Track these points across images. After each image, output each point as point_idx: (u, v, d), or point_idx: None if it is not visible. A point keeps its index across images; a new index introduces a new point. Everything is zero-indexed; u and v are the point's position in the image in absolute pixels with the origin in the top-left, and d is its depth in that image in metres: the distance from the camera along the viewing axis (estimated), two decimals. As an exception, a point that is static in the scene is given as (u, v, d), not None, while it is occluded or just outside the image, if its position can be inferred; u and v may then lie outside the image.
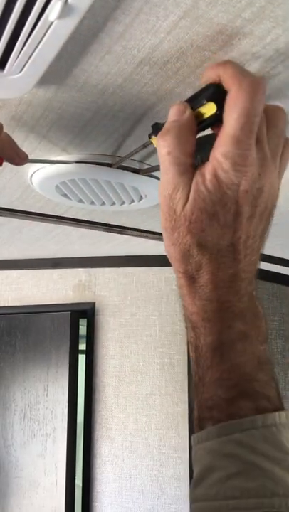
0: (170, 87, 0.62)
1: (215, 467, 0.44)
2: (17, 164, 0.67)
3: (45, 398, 1.62)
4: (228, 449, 0.45)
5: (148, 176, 0.90)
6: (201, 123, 0.51)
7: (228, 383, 0.47)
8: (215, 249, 0.48)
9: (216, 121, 0.49)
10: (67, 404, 1.58)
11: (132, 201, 1.01)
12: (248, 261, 0.49)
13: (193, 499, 0.46)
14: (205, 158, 0.49)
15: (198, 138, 0.51)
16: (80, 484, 1.60)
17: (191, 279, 0.49)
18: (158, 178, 0.90)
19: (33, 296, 1.79)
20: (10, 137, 0.65)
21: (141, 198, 0.99)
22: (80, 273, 1.77)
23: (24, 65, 0.54)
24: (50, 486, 1.56)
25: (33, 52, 0.52)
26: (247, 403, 0.47)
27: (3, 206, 1.15)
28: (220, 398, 0.47)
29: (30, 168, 0.90)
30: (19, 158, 0.66)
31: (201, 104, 0.50)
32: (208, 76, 0.49)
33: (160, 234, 1.43)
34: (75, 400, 1.62)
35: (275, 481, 0.42)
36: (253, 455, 0.44)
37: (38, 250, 1.68)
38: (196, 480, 0.46)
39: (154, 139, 0.58)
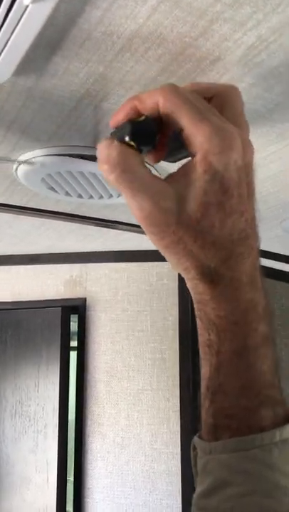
0: (153, 75, 0.61)
1: (230, 482, 0.43)
2: None
3: (36, 394, 1.61)
4: (246, 465, 0.43)
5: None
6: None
7: (251, 392, 0.45)
8: (229, 241, 0.44)
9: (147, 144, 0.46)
10: (58, 400, 1.57)
11: (120, 194, 1.00)
12: (258, 246, 0.46)
13: (202, 508, 0.45)
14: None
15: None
16: (72, 480, 1.60)
17: (211, 282, 0.45)
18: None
19: (24, 292, 1.77)
20: None
21: (128, 190, 0.98)
22: (72, 268, 1.76)
23: (1, 52, 0.52)
24: (41, 482, 1.56)
25: (9, 38, 0.51)
26: (267, 412, 0.45)
27: (-11, 200, 1.14)
28: (241, 407, 0.45)
29: (16, 160, 0.89)
30: None
31: (123, 138, 0.45)
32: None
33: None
34: (67, 396, 1.61)
35: None
36: (270, 472, 0.43)
37: (29, 246, 1.67)
38: (207, 491, 0.45)
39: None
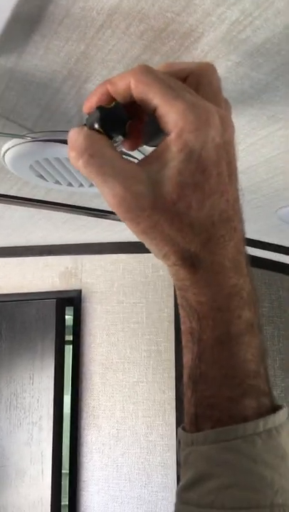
0: (136, 54, 0.59)
1: (211, 474, 0.41)
2: None
3: (31, 387, 1.60)
4: (227, 456, 0.41)
5: (123, 154, 0.87)
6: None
7: (234, 381, 0.43)
8: (209, 223, 0.43)
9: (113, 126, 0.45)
10: (53, 392, 1.56)
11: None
12: (241, 229, 0.44)
13: (184, 502, 0.43)
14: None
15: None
16: (67, 472, 1.59)
17: (191, 267, 0.43)
18: (133, 157, 0.87)
19: (19, 284, 1.76)
20: None
21: (118, 178, 0.96)
22: (67, 260, 1.75)
23: (-24, 28, 0.51)
24: (36, 475, 1.55)
25: (-17, 13, 0.49)
26: (251, 402, 0.43)
27: (-21, 189, 1.13)
28: (223, 397, 0.43)
29: (2, 146, 0.87)
30: None
31: (93, 124, 0.46)
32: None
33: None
34: (62, 388, 1.60)
35: (274, 490, 0.40)
36: (252, 463, 0.41)
37: (23, 237, 1.65)
38: (188, 483, 0.43)
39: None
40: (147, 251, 1.51)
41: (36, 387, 1.59)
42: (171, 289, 1.63)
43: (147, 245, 0.46)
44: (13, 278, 1.77)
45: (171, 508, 1.41)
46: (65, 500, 1.58)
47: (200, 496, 0.41)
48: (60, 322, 1.63)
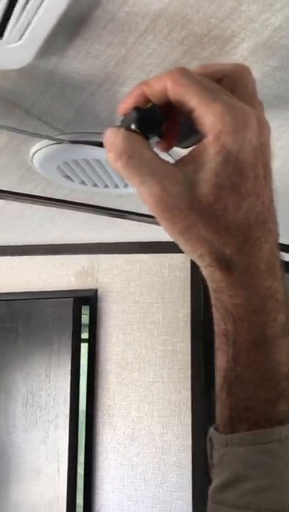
0: (175, 58, 0.60)
1: (247, 476, 0.42)
2: None
3: (47, 385, 1.61)
4: (263, 459, 0.42)
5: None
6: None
7: (270, 384, 0.43)
8: (245, 225, 0.43)
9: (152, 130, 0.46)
10: (69, 390, 1.57)
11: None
12: (275, 231, 0.44)
13: (218, 502, 0.44)
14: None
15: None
16: (82, 471, 1.60)
17: (227, 269, 0.44)
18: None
19: (35, 282, 1.77)
20: None
21: (144, 179, 0.97)
22: (83, 259, 1.76)
23: (24, 32, 0.52)
24: (52, 473, 1.56)
25: (33, 17, 0.50)
26: (285, 405, 0.44)
27: (3, 189, 1.14)
28: (259, 399, 0.43)
29: (31, 148, 0.88)
30: None
31: (129, 125, 0.46)
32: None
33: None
34: (78, 387, 1.61)
35: None
36: (287, 467, 0.42)
37: (41, 236, 1.66)
38: (223, 485, 0.43)
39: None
40: (164, 251, 1.53)
41: (52, 386, 1.60)
42: (187, 290, 1.63)
43: (182, 246, 0.46)
44: (29, 277, 1.78)
45: (186, 507, 1.41)
46: (80, 499, 1.58)
47: (236, 497, 0.42)
48: (76, 321, 1.64)
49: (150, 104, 0.44)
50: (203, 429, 1.52)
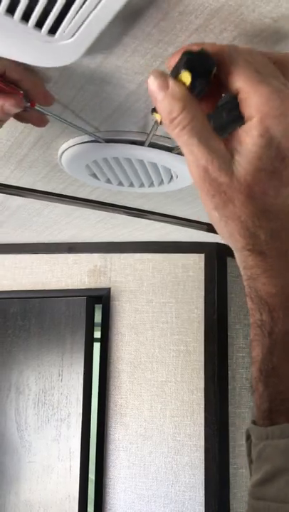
0: (222, 58, 0.59)
1: None
2: (46, 104, 0.64)
3: (59, 383, 1.61)
4: None
5: (181, 154, 0.87)
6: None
7: None
8: (284, 212, 0.43)
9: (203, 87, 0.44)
10: (82, 389, 1.57)
11: (161, 183, 0.99)
12: None
13: (259, 497, 0.43)
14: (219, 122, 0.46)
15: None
16: (94, 470, 1.60)
17: (261, 254, 0.43)
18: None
19: (48, 280, 1.77)
20: (41, 79, 0.62)
21: (171, 179, 0.97)
22: (96, 258, 1.75)
23: (77, 30, 0.51)
24: (64, 472, 1.56)
25: (88, 15, 0.49)
26: None
27: (26, 186, 1.13)
28: None
29: (61, 146, 0.88)
30: (46, 101, 0.63)
31: (178, 73, 0.44)
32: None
33: (181, 219, 1.40)
34: (90, 386, 1.61)
35: None
36: None
37: (54, 235, 1.66)
38: (264, 479, 0.43)
39: (157, 115, 0.56)
40: (177, 251, 1.53)
41: (65, 384, 1.60)
42: (201, 290, 1.63)
43: (216, 224, 0.46)
44: (42, 275, 1.78)
45: (198, 507, 1.41)
46: (91, 498, 1.58)
47: (278, 491, 0.41)
48: (90, 320, 1.63)
49: (201, 48, 0.43)
50: (216, 430, 1.52)
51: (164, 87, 0.44)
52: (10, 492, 1.60)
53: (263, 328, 0.44)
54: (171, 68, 0.46)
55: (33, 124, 0.68)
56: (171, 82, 0.44)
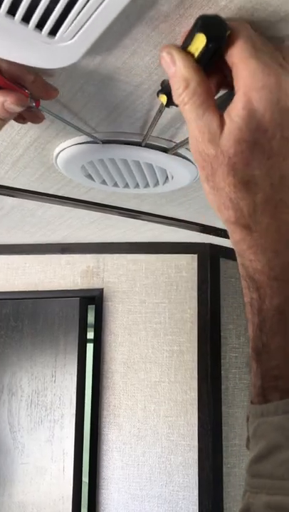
0: (221, 61, 0.60)
1: (284, 445, 0.42)
2: (50, 98, 0.63)
3: (52, 384, 1.60)
4: None
5: (177, 155, 0.88)
6: (199, 61, 0.47)
7: None
8: (267, 184, 0.42)
9: (212, 54, 0.45)
10: (75, 390, 1.57)
11: (157, 184, 0.99)
12: None
13: (254, 474, 0.43)
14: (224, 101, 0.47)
15: None
16: (88, 471, 1.59)
17: (247, 228, 0.43)
18: (186, 158, 0.88)
19: (40, 281, 1.76)
20: (41, 77, 0.62)
21: (166, 179, 0.97)
22: (89, 259, 1.75)
23: (78, 31, 0.51)
24: (57, 473, 1.55)
25: (89, 17, 0.49)
26: None
27: (20, 187, 1.13)
28: (287, 367, 0.44)
29: (57, 146, 0.88)
30: (49, 95, 0.63)
31: (192, 40, 0.46)
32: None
33: (174, 220, 1.40)
34: (83, 386, 1.60)
35: None
36: None
37: (47, 235, 1.65)
38: (259, 456, 0.43)
39: (162, 97, 0.57)
40: (170, 252, 1.54)
41: (58, 385, 1.60)
42: (194, 291, 1.64)
43: (207, 196, 0.47)
44: (35, 275, 1.77)
45: (192, 507, 1.41)
46: (85, 499, 1.58)
47: (272, 468, 0.41)
48: (83, 321, 1.63)
49: (215, 14, 0.45)
50: (210, 430, 1.52)
51: (173, 62, 0.46)
52: (3, 494, 1.60)
53: (253, 306, 0.45)
54: (184, 35, 0.47)
55: (31, 121, 0.68)
56: (177, 58, 0.45)
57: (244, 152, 0.42)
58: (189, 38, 0.47)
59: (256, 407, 0.45)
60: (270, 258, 0.43)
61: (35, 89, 0.60)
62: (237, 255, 0.47)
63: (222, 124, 0.44)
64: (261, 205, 0.43)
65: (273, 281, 0.44)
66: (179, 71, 0.45)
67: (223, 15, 0.52)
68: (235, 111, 0.43)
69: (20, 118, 0.66)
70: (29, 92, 0.59)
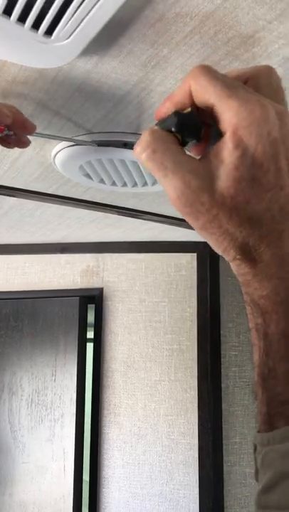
0: (217, 59, 0.60)
1: None
2: (28, 133, 0.65)
3: (53, 384, 1.61)
4: None
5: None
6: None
7: None
8: (268, 216, 0.43)
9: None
10: (75, 389, 1.57)
11: (155, 182, 0.99)
12: None
13: (263, 506, 0.43)
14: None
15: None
16: (88, 470, 1.60)
17: (252, 261, 0.44)
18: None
19: (40, 281, 1.76)
20: (19, 115, 0.64)
21: (165, 179, 0.97)
22: (88, 258, 1.75)
23: (73, 31, 0.51)
24: (58, 472, 1.56)
25: (85, 17, 0.49)
26: None
27: (19, 187, 1.13)
28: None
29: (55, 147, 0.88)
30: (27, 131, 0.65)
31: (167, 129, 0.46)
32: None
33: (173, 218, 1.40)
34: (84, 386, 1.61)
35: None
36: None
37: (47, 235, 1.66)
38: (267, 486, 0.43)
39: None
40: (170, 251, 1.54)
41: (58, 384, 1.60)
42: (193, 290, 1.64)
43: (207, 241, 0.47)
44: (34, 275, 1.78)
45: (193, 505, 1.41)
46: (86, 497, 1.58)
47: (280, 497, 0.40)
48: (83, 320, 1.63)
49: (189, 108, 0.44)
50: (210, 428, 1.53)
51: (150, 130, 0.45)
52: (4, 493, 1.60)
53: (259, 331, 0.45)
54: (158, 116, 0.47)
55: (16, 146, 0.70)
56: (151, 130, 0.45)
57: (245, 190, 0.43)
58: (164, 123, 0.46)
59: (262, 435, 0.44)
60: (275, 284, 0.44)
61: (13, 126, 0.62)
62: (241, 284, 0.47)
63: (208, 166, 0.44)
64: (264, 237, 0.44)
65: (279, 306, 0.44)
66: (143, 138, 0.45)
67: (218, 14, 0.52)
68: (227, 151, 0.43)
69: (5, 142, 0.67)
70: (5, 125, 0.62)
